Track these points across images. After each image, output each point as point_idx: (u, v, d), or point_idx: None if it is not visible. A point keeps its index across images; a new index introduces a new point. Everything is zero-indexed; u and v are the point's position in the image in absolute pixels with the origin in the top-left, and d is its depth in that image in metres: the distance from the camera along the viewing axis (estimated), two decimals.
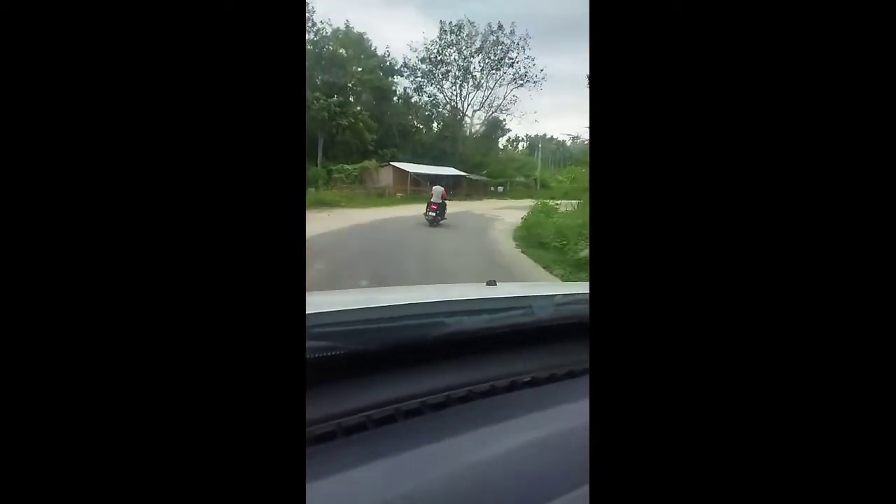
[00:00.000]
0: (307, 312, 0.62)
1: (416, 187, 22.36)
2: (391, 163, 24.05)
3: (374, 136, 25.73)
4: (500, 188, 27.75)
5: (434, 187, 11.04)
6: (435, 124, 33.04)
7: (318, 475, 0.41)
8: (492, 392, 0.61)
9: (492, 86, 32.44)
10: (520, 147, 45.79)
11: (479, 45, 31.34)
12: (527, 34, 31.60)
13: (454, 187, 25.55)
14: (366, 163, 22.95)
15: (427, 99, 32.61)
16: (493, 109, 33.13)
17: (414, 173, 22.98)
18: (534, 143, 50.45)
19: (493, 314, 0.73)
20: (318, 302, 0.71)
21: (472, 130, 33.81)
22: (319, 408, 0.50)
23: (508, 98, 32.85)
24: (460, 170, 26.63)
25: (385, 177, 23.03)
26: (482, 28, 31.29)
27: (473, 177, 26.73)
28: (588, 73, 0.36)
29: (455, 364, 0.65)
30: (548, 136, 53.71)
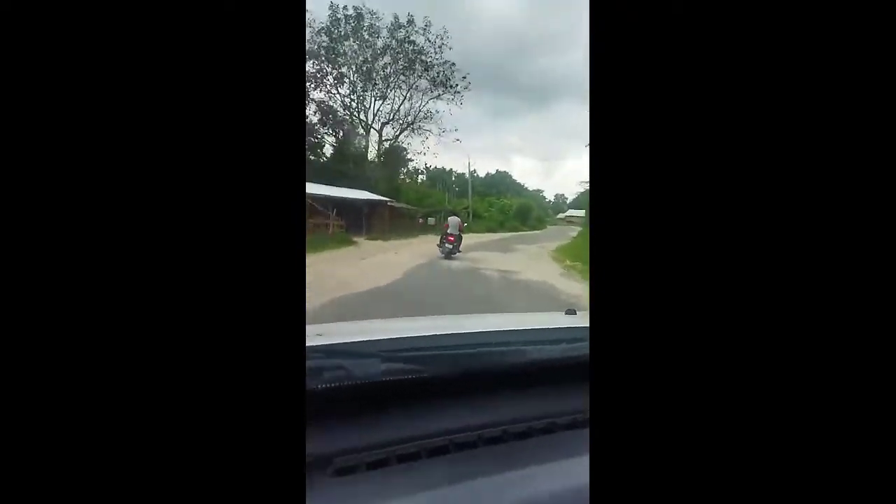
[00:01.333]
0: (388, 338, 0.68)
1: (316, 219, 14.42)
2: None
3: None
4: (431, 220, 20.75)
5: (450, 218, 10.60)
6: (330, 139, 25.37)
7: (404, 493, 0.46)
8: (574, 425, 0.62)
9: (403, 95, 26.11)
10: (419, 179, 40.12)
11: (384, 43, 25.00)
12: (444, 32, 25.88)
13: (371, 217, 18.03)
14: None
15: (316, 105, 24.99)
16: (405, 124, 26.62)
17: (313, 196, 14.98)
18: (433, 174, 45.77)
19: (574, 343, 0.72)
20: (394, 328, 0.84)
21: (381, 149, 26.74)
22: (402, 428, 0.54)
23: (423, 112, 26.63)
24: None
25: None
26: (388, 20, 25.13)
27: (398, 205, 19.57)
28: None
29: (537, 393, 0.66)
30: (447, 169, 49.62)
